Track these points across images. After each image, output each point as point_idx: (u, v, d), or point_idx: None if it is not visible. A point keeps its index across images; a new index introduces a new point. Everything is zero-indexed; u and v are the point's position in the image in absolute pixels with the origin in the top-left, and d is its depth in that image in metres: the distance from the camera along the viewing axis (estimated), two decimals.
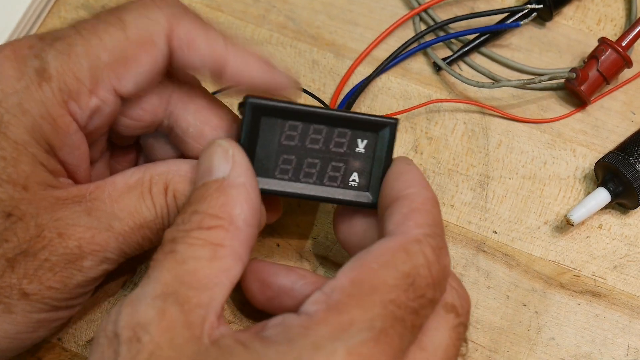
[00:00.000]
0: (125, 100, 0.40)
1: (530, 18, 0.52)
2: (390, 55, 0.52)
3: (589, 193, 0.47)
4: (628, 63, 0.50)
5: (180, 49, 0.39)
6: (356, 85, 0.51)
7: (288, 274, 0.41)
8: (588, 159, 0.50)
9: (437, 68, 0.52)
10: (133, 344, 0.32)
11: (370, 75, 0.51)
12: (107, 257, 0.38)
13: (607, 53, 0.50)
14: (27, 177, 0.37)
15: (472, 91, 0.52)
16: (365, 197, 0.40)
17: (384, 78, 0.52)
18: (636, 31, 0.51)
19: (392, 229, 0.37)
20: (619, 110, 0.51)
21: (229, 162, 0.38)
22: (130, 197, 0.39)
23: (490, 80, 0.52)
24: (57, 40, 0.39)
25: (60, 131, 0.38)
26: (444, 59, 0.52)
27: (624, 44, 0.50)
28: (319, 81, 0.53)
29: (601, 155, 0.48)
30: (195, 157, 0.40)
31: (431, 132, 0.51)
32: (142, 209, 0.39)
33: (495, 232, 0.47)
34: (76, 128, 0.39)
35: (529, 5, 0.52)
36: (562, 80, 0.51)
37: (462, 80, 0.50)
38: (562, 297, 0.45)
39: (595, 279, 0.46)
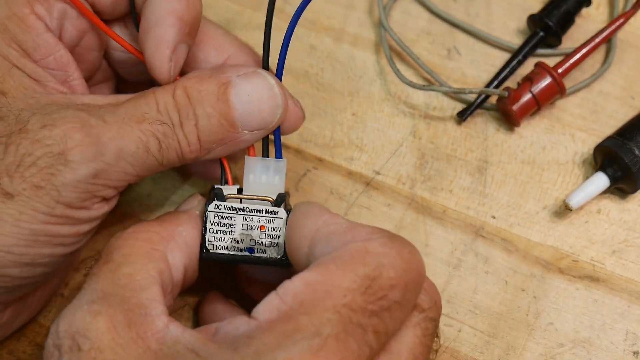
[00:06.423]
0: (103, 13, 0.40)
1: None
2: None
3: (587, 178, 0.47)
4: (562, 90, 0.49)
5: None
6: None
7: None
8: (587, 144, 0.49)
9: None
10: (74, 353, 0.31)
11: None
12: (100, 152, 0.35)
13: (542, 77, 0.49)
14: (2, 82, 0.36)
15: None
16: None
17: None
18: (574, 59, 0.50)
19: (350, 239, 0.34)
20: (618, 96, 0.51)
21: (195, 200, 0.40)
22: (132, 99, 0.37)
23: (424, 82, 0.52)
24: None
25: (28, 30, 0.38)
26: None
27: (560, 70, 0.50)
28: (316, 66, 0.52)
29: (600, 140, 0.48)
30: None
31: (430, 117, 0.50)
32: (141, 104, 0.36)
33: (494, 217, 0.47)
34: (44, 28, 0.38)
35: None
36: (495, 98, 0.50)
37: (398, 76, 0.50)
38: (560, 282, 0.45)
39: (594, 264, 0.46)
